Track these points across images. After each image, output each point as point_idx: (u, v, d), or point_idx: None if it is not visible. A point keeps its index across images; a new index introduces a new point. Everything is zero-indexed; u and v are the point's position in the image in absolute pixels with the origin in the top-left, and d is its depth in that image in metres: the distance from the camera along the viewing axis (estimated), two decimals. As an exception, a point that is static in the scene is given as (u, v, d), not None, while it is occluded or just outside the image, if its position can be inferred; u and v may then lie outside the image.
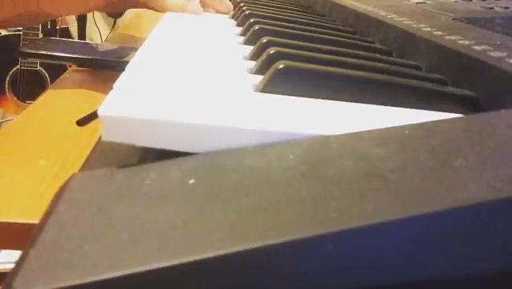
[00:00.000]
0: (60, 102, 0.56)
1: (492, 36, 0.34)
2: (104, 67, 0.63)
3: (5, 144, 0.45)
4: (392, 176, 0.17)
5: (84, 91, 0.59)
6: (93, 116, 0.41)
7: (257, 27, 0.41)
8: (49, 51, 0.63)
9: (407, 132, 0.20)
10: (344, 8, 0.56)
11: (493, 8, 0.48)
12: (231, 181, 0.18)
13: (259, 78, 0.27)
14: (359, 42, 0.42)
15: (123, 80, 0.23)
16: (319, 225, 0.15)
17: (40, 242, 0.15)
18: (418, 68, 0.35)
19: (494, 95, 0.27)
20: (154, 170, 0.19)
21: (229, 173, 0.18)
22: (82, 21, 1.90)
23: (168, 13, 0.54)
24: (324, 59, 0.31)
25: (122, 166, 0.19)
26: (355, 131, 0.20)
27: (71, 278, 0.13)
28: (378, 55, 0.37)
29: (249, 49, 0.36)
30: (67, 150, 0.43)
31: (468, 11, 0.47)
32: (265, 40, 0.34)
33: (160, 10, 0.60)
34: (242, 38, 0.42)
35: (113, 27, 1.94)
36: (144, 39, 0.34)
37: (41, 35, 1.76)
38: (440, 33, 0.35)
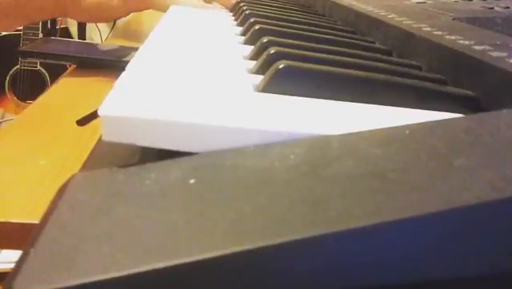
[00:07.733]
0: (60, 102, 0.56)
1: (492, 36, 0.34)
2: (104, 67, 0.63)
3: (4, 144, 0.45)
4: (393, 176, 0.17)
5: (84, 91, 0.59)
6: (93, 115, 0.41)
7: (257, 27, 0.41)
8: (49, 51, 0.63)
9: (407, 132, 0.20)
10: (344, 8, 0.56)
11: (493, 8, 0.48)
12: (231, 181, 0.18)
13: (259, 78, 0.27)
14: (360, 42, 0.42)
15: (123, 80, 0.23)
16: (319, 225, 0.15)
17: (40, 242, 0.15)
18: (418, 68, 0.35)
19: (494, 95, 0.27)
20: (154, 170, 0.19)
21: (229, 173, 0.18)
22: (82, 21, 1.90)
23: (168, 12, 0.54)
24: (324, 58, 0.31)
25: (122, 166, 0.19)
26: (356, 131, 0.20)
27: (72, 278, 0.13)
28: (378, 55, 0.37)
29: (250, 49, 0.36)
30: (67, 150, 0.43)
31: (468, 11, 0.47)
32: (265, 40, 0.34)
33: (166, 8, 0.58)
34: (242, 37, 0.42)
35: (113, 27, 1.93)
36: (144, 39, 0.34)
37: (41, 35, 1.76)
38: (440, 33, 0.35)
